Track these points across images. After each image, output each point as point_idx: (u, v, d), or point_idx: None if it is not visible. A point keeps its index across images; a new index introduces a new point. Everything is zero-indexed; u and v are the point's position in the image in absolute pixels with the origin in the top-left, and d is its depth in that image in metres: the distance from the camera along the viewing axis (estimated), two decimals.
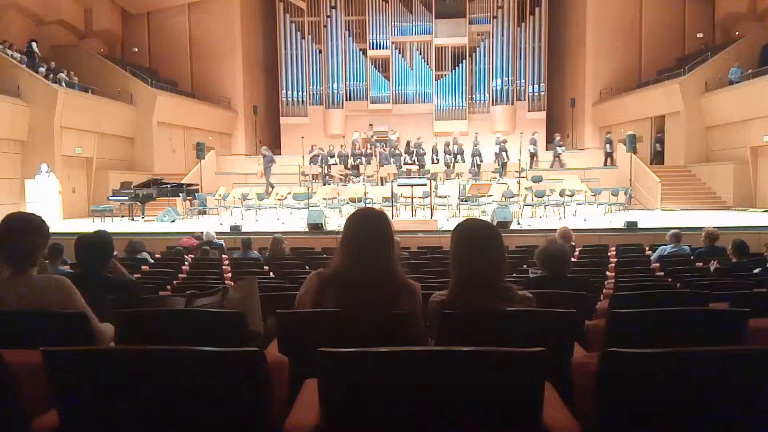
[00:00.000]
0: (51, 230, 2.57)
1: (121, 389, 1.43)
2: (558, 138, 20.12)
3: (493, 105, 23.58)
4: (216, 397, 1.47)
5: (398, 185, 13.68)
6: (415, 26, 24.02)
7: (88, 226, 13.40)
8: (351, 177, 17.73)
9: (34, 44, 17.00)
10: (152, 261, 7.86)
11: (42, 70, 16.27)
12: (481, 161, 18.46)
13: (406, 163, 17.57)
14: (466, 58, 23.76)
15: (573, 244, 7.49)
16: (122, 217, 15.27)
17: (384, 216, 2.28)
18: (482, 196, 14.27)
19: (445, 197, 14.63)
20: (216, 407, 1.47)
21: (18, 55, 16.18)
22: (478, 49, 23.73)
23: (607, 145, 19.65)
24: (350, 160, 18.62)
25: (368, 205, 11.45)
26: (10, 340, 1.97)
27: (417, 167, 17.40)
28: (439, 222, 11.73)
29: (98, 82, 18.27)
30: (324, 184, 17.57)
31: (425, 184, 13.80)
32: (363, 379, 1.46)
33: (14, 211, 2.52)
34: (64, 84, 16.47)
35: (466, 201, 14.38)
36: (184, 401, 1.46)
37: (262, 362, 1.45)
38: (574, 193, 15.03)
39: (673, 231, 7.78)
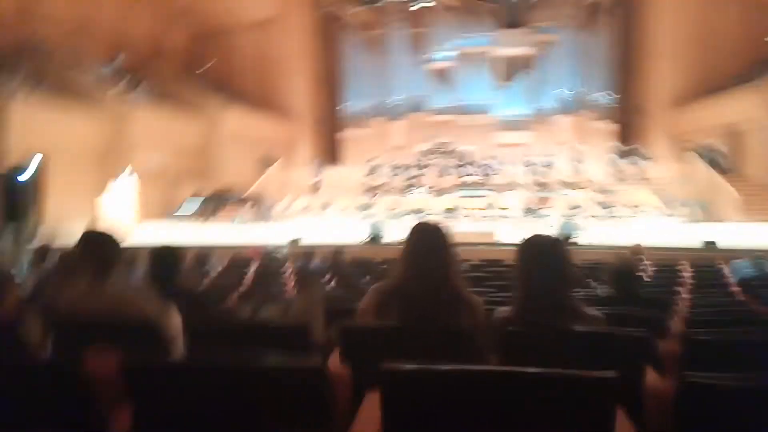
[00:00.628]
0: (126, 237, 2.72)
1: (189, 400, 1.48)
2: (636, 149, 19.38)
3: (558, 115, 23.05)
4: (281, 409, 1.49)
5: (459, 197, 13.59)
6: (479, 36, 23.87)
7: (161, 234, 14.04)
8: (412, 188, 17.77)
9: (114, 60, 18.02)
10: (218, 270, 8.12)
11: (121, 85, 17.24)
12: (548, 173, 18.05)
13: (468, 175, 17.43)
14: (530, 67, 23.38)
15: (644, 260, 7.18)
16: (192, 224, 15.88)
17: (443, 229, 2.27)
18: (547, 209, 13.95)
19: (508, 209, 14.40)
20: (280, 420, 1.49)
21: (100, 71, 17.22)
22: (542, 57, 23.31)
23: (697, 155, 18.53)
24: (411, 171, 18.66)
25: (428, 218, 11.37)
26: (81, 345, 2.08)
27: (479, 179, 17.23)
28: (500, 235, 11.55)
29: (172, 95, 19.18)
30: (384, 196, 17.68)
31: (486, 196, 13.64)
32: (426, 396, 1.45)
33: (91, 228, 2.70)
34: (141, 98, 17.39)
35: (530, 214, 14.10)
36: (250, 413, 1.49)
37: (325, 376, 1.47)
38: (645, 206, 14.44)
39: (757, 254, 7.29)
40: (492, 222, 13.18)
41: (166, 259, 3.36)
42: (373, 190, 17.86)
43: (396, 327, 2.07)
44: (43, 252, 9.05)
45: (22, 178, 12.69)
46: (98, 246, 2.55)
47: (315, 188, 18.70)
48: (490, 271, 7.03)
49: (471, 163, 18.54)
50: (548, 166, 18.22)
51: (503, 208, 14.50)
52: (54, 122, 14.55)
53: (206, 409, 1.50)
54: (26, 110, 13.71)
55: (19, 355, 2.15)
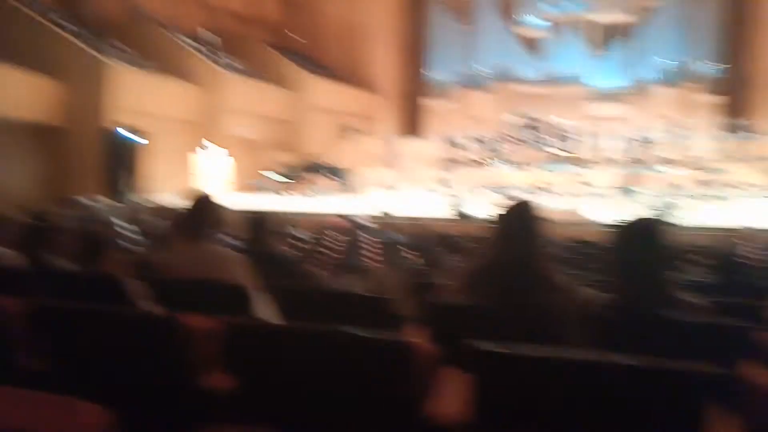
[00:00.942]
0: (217, 202, 2.83)
1: (283, 362, 1.53)
2: (744, 124, 17.89)
3: (659, 86, 21.56)
4: (366, 379, 1.51)
5: (547, 172, 13.13)
6: (576, 1, 22.66)
7: (249, 202, 14.62)
8: (495, 162, 17.37)
9: (203, 31, 18.67)
10: (304, 238, 8.35)
11: (213, 56, 17.90)
12: (646, 148, 16.97)
13: (556, 149, 16.78)
14: (628, 35, 21.96)
15: (750, 244, 6.65)
16: (279, 193, 16.42)
17: (537, 209, 2.19)
18: (643, 187, 13.19)
19: (600, 186, 13.76)
20: (364, 389, 1.51)
21: (189, 41, 17.94)
22: (643, 24, 21.80)
23: None
24: (495, 144, 18.23)
25: (519, 196, 11.10)
26: (181, 304, 2.19)
27: (569, 153, 16.54)
28: (590, 213, 11.08)
29: (260, 67, 19.71)
30: (467, 169, 17.40)
31: (576, 172, 13.09)
32: (517, 379, 1.42)
33: (194, 190, 2.83)
34: (231, 70, 18.00)
35: (624, 192, 13.40)
36: (337, 380, 1.52)
37: (411, 351, 1.46)
38: (753, 186, 13.33)
39: None
40: (582, 200, 12.62)
41: (258, 224, 3.49)
42: (455, 163, 17.61)
43: (484, 306, 2.03)
44: (142, 209, 9.74)
45: (125, 138, 13.58)
46: (200, 209, 2.66)
47: (396, 160, 18.68)
48: (579, 251, 6.77)
49: (560, 137, 17.79)
50: (646, 141, 17.16)
51: (595, 185, 13.86)
52: (153, 88, 15.39)
53: (297, 372, 1.55)
54: (128, 75, 14.60)
55: (123, 307, 2.30)
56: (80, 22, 15.47)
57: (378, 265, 5.77)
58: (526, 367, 1.41)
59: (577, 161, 16.29)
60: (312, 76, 20.58)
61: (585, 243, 8.18)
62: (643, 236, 2.06)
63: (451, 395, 1.71)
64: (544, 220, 2.15)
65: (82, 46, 14.24)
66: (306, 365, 1.52)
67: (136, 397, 1.59)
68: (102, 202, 9.48)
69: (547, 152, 16.70)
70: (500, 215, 2.19)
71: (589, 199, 13.27)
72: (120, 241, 2.94)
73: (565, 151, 16.65)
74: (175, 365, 1.63)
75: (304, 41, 22.96)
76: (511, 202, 2.26)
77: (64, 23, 14.62)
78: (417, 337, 2.21)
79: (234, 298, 2.35)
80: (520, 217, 2.14)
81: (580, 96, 22.05)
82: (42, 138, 14.04)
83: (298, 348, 1.53)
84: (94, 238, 2.76)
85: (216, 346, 1.58)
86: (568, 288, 2.16)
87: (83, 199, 9.44)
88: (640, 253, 2.04)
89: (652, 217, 2.23)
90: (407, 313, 2.71)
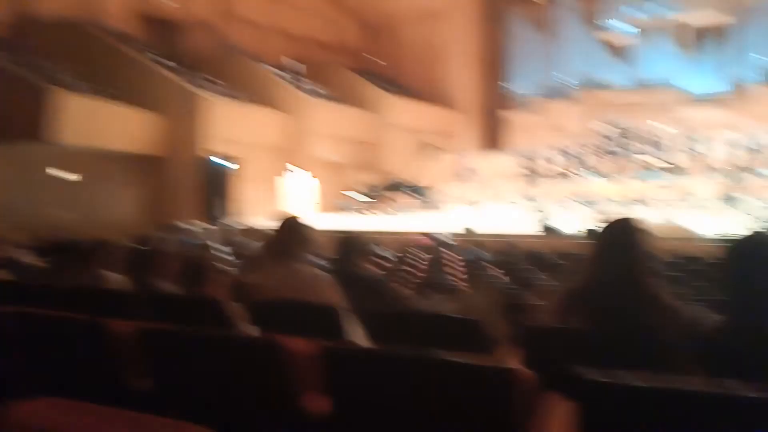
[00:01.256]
0: (305, 224, 2.90)
1: (379, 387, 1.52)
2: None
3: (760, 87, 20.01)
4: (464, 406, 1.46)
5: (640, 183, 12.45)
6: (663, 3, 21.61)
7: (333, 221, 14.94)
8: (584, 174, 16.72)
9: (288, 59, 19.48)
10: (391, 258, 8.38)
11: (297, 83, 18.61)
12: (749, 154, 15.73)
13: (650, 158, 15.90)
14: (724, 36, 20.59)
15: None
16: (361, 212, 16.66)
17: (642, 226, 2.04)
18: (749, 197, 12.21)
19: (701, 197, 12.86)
20: (462, 416, 1.47)
21: (274, 70, 18.78)
22: (739, 23, 20.38)
23: None
24: (583, 155, 17.57)
25: (614, 210, 10.64)
26: (276, 326, 2.24)
27: (664, 162, 15.62)
28: (694, 227, 10.35)
29: (344, 91, 20.23)
30: (554, 183, 16.86)
31: (673, 182, 12.33)
32: (626, 410, 1.32)
33: (283, 214, 2.91)
34: (316, 96, 18.62)
35: (728, 202, 12.45)
36: (435, 406, 1.48)
37: (513, 377, 1.41)
38: None
39: None
40: (681, 211, 11.82)
41: (345, 245, 3.54)
42: (540, 176, 17.12)
43: (586, 331, 1.92)
44: (235, 232, 10.19)
45: (218, 164, 14.34)
46: (289, 230, 2.73)
47: (478, 176, 18.43)
48: (682, 267, 6.33)
49: (653, 145, 16.85)
50: (749, 146, 15.92)
51: (695, 196, 12.98)
52: (243, 117, 16.24)
53: (393, 396, 1.54)
54: (220, 106, 15.48)
55: (224, 329, 2.38)
56: (175, 58, 16.61)
57: (463, 283, 5.68)
58: (635, 398, 1.31)
59: (674, 170, 15.36)
60: (392, 96, 20.88)
61: (689, 258, 7.63)
62: (761, 252, 1.88)
63: (554, 424, 1.62)
64: (647, 234, 2.01)
65: (178, 81, 15.26)
66: (402, 390, 1.50)
67: (238, 419, 1.63)
68: (199, 226, 10.02)
69: (641, 161, 15.84)
70: (600, 230, 2.08)
71: (689, 210, 12.43)
72: (217, 264, 3.06)
73: (660, 159, 15.74)
74: (276, 388, 1.65)
75: (383, 63, 23.36)
76: (614, 221, 2.13)
77: (161, 60, 15.74)
78: (512, 362, 2.14)
79: (327, 320, 2.37)
80: (621, 232, 2.01)
81: (673, 101, 20.83)
82: (143, 167, 15.14)
83: (395, 373, 1.50)
84: (195, 262, 2.90)
85: (314, 368, 1.60)
86: (677, 308, 2.00)
87: (182, 224, 10.02)
88: (758, 271, 1.86)
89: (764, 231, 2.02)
90: (499, 336, 2.63)
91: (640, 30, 21.68)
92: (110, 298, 3.01)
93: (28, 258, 5.40)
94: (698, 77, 20.94)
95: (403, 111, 21.01)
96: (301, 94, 18.20)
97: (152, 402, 1.78)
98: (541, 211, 11.90)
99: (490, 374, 1.41)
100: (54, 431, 1.28)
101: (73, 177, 12.78)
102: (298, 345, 1.70)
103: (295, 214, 2.97)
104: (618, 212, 12.59)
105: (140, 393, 1.81)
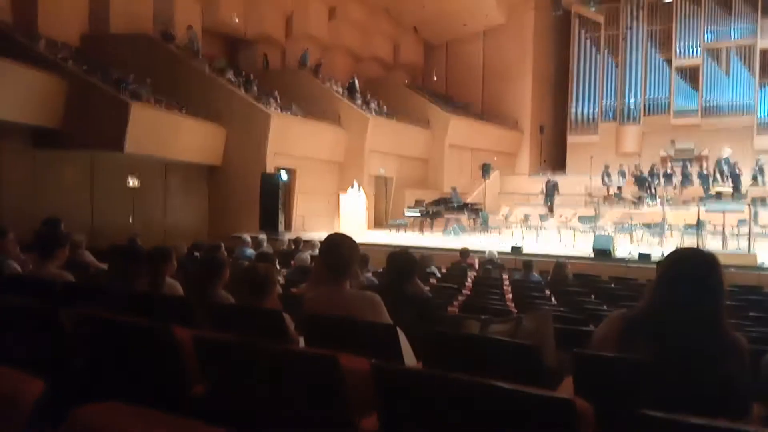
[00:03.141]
0: (358, 240, 2.91)
1: (429, 411, 1.50)
2: None
3: None
4: None
5: (706, 210, 11.92)
6: (734, 28, 20.79)
7: (386, 237, 14.99)
8: (646, 199, 16.17)
9: (354, 79, 19.83)
10: (439, 275, 8.33)
11: (358, 101, 18.89)
12: None
13: (716, 184, 15.24)
14: None
15: None
16: (414, 230, 16.64)
17: (715, 259, 1.94)
18: None
19: None
20: None
21: (341, 89, 19.15)
22: None
23: None
24: (646, 180, 17.00)
25: (693, 247, 10.24)
26: (330, 342, 2.26)
27: (731, 189, 14.95)
28: (759, 256, 9.85)
29: (401, 108, 20.39)
30: (613, 207, 16.37)
31: (742, 210, 11.75)
32: None
33: (334, 232, 2.95)
34: (373, 112, 18.83)
35: None
36: None
37: (574, 411, 1.37)
38: None
39: None
40: (748, 240, 11.27)
41: (397, 263, 3.54)
42: (600, 199, 16.67)
43: (645, 363, 1.84)
44: (295, 246, 10.37)
45: (279, 178, 14.66)
46: (339, 248, 2.75)
47: (538, 198, 18.08)
48: (748, 299, 6.01)
49: (720, 171, 16.16)
50: None
51: (763, 226, 12.35)
52: (305, 132, 16.61)
53: (444, 422, 1.52)
54: (284, 121, 15.89)
55: (281, 341, 2.42)
56: (240, 73, 17.20)
57: (510, 304, 5.57)
58: None
59: (742, 198, 14.64)
60: (451, 115, 20.87)
61: (754, 289, 7.25)
62: None
63: None
64: (721, 271, 1.90)
65: (241, 94, 15.78)
66: (455, 416, 1.48)
67: None
68: (261, 238, 10.27)
69: (706, 188, 15.20)
70: (668, 261, 1.99)
71: (760, 241, 11.80)
72: (274, 276, 3.12)
73: (726, 186, 15.04)
74: (332, 404, 1.67)
75: (434, 78, 23.43)
76: (683, 250, 2.05)
77: (227, 74, 16.32)
78: (567, 392, 2.07)
79: (382, 339, 2.37)
80: (692, 266, 1.91)
81: (746, 127, 19.93)
82: (208, 178, 15.68)
83: (449, 398, 1.49)
84: (253, 273, 2.97)
85: (366, 386, 1.60)
86: (743, 346, 1.89)
87: (245, 236, 10.30)
88: None
89: None
90: (554, 363, 2.56)
91: (710, 54, 20.93)
92: (170, 304, 3.11)
93: (91, 260, 5.64)
94: None
95: (462, 129, 20.97)
96: (360, 110, 18.45)
97: (208, 411, 1.82)
98: (600, 235, 11.53)
99: (547, 404, 1.37)
100: None
101: (136, 183, 13.35)
102: (352, 362, 1.71)
103: (345, 232, 2.99)
104: (678, 238, 12.17)
105: (198, 401, 1.86)
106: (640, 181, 17.02)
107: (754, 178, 16.38)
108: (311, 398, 1.68)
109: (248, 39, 19.78)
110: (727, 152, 16.79)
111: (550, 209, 16.72)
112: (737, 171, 16.02)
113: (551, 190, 17.18)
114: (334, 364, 1.61)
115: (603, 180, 17.71)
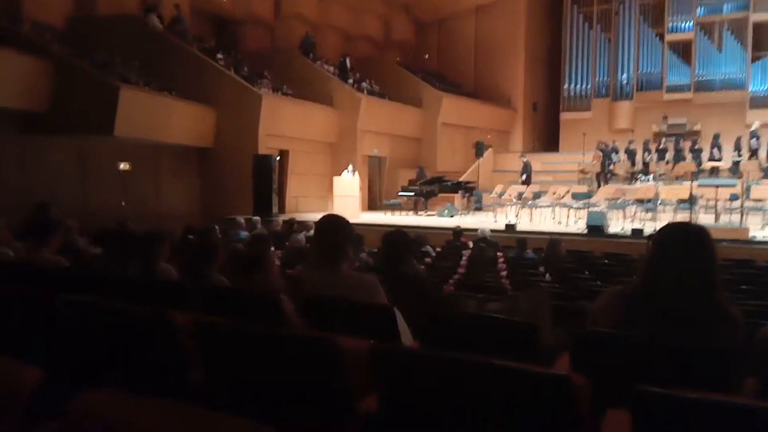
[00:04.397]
0: (352, 221, 2.90)
1: (427, 390, 1.51)
2: None
3: None
4: (515, 415, 1.44)
5: (698, 185, 11.98)
6: (727, 2, 20.67)
7: (381, 218, 14.98)
8: (639, 175, 16.21)
9: (345, 58, 19.62)
10: (433, 254, 8.35)
11: (350, 81, 18.71)
12: None
13: (709, 159, 15.29)
14: None
15: None
16: (408, 211, 16.64)
17: (706, 232, 1.95)
18: None
19: (761, 201, 12.29)
20: (513, 426, 1.44)
21: (332, 69, 18.94)
22: None
23: None
24: (639, 156, 17.03)
25: (686, 221, 10.28)
26: (328, 324, 2.26)
27: (724, 164, 15.00)
28: (751, 231, 9.93)
29: (393, 88, 20.22)
30: (607, 183, 16.41)
31: (734, 185, 11.81)
32: (685, 427, 1.27)
33: (328, 213, 2.93)
34: (365, 92, 18.67)
35: None
36: (488, 416, 1.46)
37: (571, 387, 1.37)
38: None
39: None
40: (740, 215, 11.36)
41: (392, 243, 3.53)
42: (593, 176, 16.70)
43: (641, 338, 1.86)
44: (289, 227, 10.34)
45: (272, 159, 14.59)
46: (333, 229, 2.74)
47: (530, 175, 18.07)
48: (740, 273, 6.06)
49: (714, 147, 16.19)
50: None
51: (756, 200, 12.42)
52: (296, 113, 16.45)
53: (443, 401, 1.52)
54: (275, 102, 15.73)
55: (278, 324, 2.42)
56: (230, 53, 16.97)
57: (505, 282, 5.60)
58: (693, 411, 1.26)
59: (735, 173, 14.72)
60: (444, 94, 20.72)
61: (745, 262, 7.32)
62: None
63: None
64: (714, 244, 1.91)
65: (232, 75, 15.59)
66: (452, 395, 1.48)
67: (292, 417, 1.66)
68: (254, 220, 10.23)
69: (698, 164, 15.25)
70: (660, 236, 1.99)
71: (752, 216, 11.89)
72: (268, 258, 3.11)
73: (719, 161, 15.09)
74: (330, 387, 1.67)
75: (435, 59, 23.22)
76: (675, 225, 2.04)
77: (219, 56, 16.11)
78: (565, 369, 2.09)
79: (380, 320, 2.37)
80: (685, 240, 1.92)
81: (740, 103, 19.92)
82: (200, 161, 15.55)
83: (447, 377, 1.49)
84: (247, 255, 2.96)
85: (364, 367, 1.60)
86: (737, 319, 1.91)
87: (239, 218, 10.25)
88: None
89: None
90: (550, 341, 2.58)
91: (706, 28, 20.82)
92: (165, 288, 3.09)
93: (84, 245, 5.60)
94: (765, 78, 19.96)
95: (455, 108, 20.83)
96: (353, 91, 18.29)
97: (206, 395, 1.82)
98: (594, 212, 11.57)
99: (545, 381, 1.38)
100: (116, 423, 1.32)
101: (126, 167, 13.22)
102: (351, 343, 1.71)
103: (341, 213, 2.97)
104: (670, 213, 12.23)
105: (197, 386, 1.85)
106: (637, 157, 17.09)
107: (755, 154, 16.39)
108: (310, 380, 1.68)
109: (238, 19, 19.49)
110: (756, 124, 16.67)
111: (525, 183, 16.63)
112: (733, 146, 16.01)
113: (527, 169, 17.12)
114: (332, 345, 1.60)
115: (597, 156, 17.65)
